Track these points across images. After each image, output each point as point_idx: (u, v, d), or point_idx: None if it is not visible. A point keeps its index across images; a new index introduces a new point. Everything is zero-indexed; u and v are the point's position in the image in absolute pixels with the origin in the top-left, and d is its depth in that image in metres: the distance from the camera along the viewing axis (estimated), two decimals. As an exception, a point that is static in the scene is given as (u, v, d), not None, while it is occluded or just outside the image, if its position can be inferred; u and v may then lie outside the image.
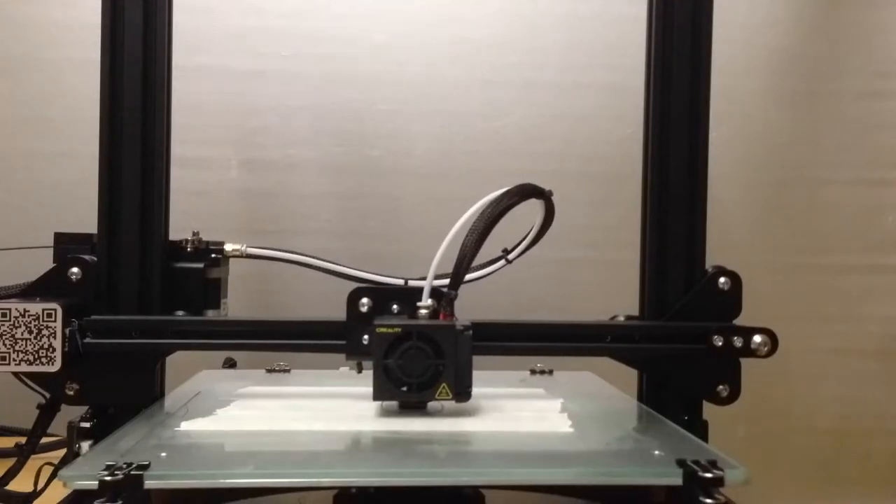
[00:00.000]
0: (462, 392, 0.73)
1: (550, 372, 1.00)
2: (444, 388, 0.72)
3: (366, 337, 0.77)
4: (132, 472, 0.55)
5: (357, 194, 1.24)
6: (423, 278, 0.78)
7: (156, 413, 0.77)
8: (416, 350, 0.72)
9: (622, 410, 0.84)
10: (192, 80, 1.18)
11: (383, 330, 0.72)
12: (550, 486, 0.63)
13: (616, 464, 0.64)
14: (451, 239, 0.76)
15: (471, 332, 0.73)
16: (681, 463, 0.59)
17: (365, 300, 0.79)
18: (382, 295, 0.80)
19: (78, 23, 1.18)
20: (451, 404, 0.76)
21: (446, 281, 0.77)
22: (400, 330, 0.72)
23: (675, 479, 0.58)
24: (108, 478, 0.55)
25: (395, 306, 0.79)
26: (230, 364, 1.03)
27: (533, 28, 1.26)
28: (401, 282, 0.84)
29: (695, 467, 0.58)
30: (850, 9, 1.27)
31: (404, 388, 0.72)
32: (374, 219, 1.25)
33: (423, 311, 0.76)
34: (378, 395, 0.72)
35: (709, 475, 0.57)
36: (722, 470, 0.58)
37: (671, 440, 0.69)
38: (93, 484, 0.55)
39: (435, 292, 0.77)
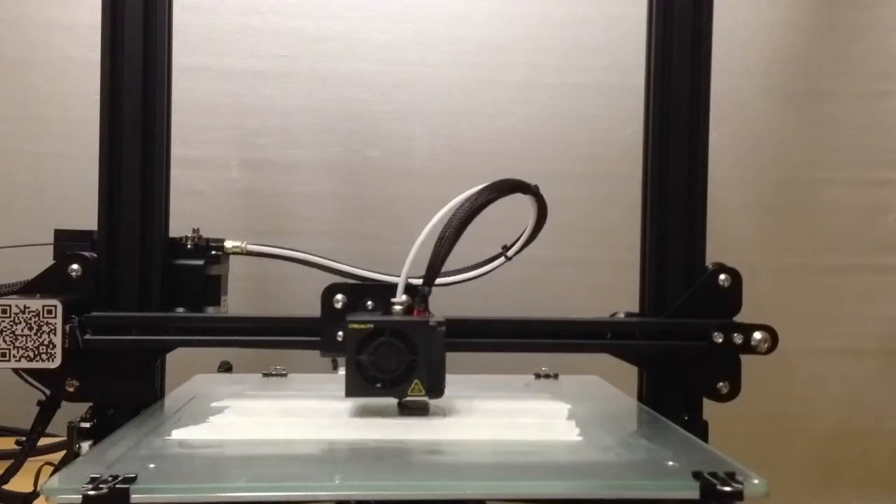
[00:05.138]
0: (435, 388, 0.71)
1: (556, 376, 0.98)
2: (416, 384, 0.71)
3: (340, 333, 0.76)
4: (117, 486, 0.53)
5: (357, 194, 1.24)
6: (421, 277, 0.76)
7: (148, 419, 0.74)
8: (388, 346, 0.71)
9: (631, 417, 0.81)
10: (193, 80, 1.19)
11: (356, 326, 0.72)
12: (559, 499, 0.60)
13: (628, 476, 0.61)
14: (427, 235, 0.75)
15: (444, 328, 0.71)
16: (697, 475, 0.56)
17: (339, 296, 0.78)
18: (357, 291, 0.79)
19: (78, 23, 1.19)
20: (454, 410, 0.76)
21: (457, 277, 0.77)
22: (372, 326, 0.71)
23: (692, 492, 0.55)
24: (92, 492, 0.52)
25: (369, 302, 0.78)
26: (226, 368, 1.01)
27: (533, 28, 1.25)
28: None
29: (712, 480, 0.55)
30: (850, 9, 1.26)
31: (377, 385, 0.71)
32: (374, 219, 1.24)
33: (398, 308, 0.75)
34: (350, 391, 0.71)
35: (728, 489, 0.54)
36: (741, 483, 0.54)
37: (685, 449, 0.66)
38: (76, 498, 0.52)
39: (410, 288, 0.76)
